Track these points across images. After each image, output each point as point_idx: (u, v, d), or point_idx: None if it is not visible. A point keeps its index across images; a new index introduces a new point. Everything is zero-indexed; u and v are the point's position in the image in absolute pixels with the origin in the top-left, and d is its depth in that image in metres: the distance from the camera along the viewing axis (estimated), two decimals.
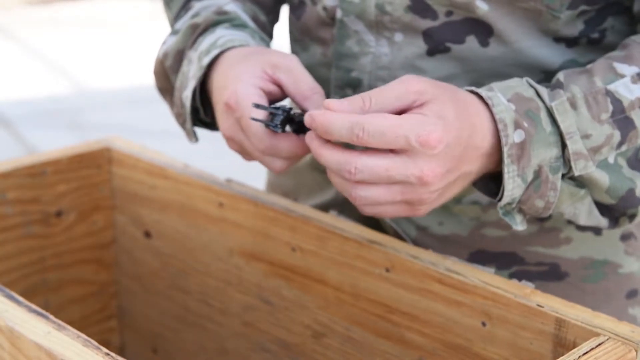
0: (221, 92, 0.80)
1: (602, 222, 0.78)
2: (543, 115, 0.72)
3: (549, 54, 0.83)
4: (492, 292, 0.72)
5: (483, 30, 0.82)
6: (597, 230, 0.89)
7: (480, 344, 0.73)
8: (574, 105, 0.73)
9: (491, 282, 0.72)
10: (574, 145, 0.72)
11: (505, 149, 0.71)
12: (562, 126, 0.72)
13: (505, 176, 0.71)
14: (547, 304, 0.69)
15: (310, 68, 0.92)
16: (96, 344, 0.62)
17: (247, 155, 0.82)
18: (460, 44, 0.82)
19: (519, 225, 0.75)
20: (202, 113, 0.87)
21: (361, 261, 0.80)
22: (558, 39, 0.83)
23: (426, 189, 0.69)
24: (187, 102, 0.85)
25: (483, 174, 0.75)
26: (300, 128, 0.76)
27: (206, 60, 0.83)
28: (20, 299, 0.68)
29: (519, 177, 0.72)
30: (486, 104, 0.72)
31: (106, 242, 1.04)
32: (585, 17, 0.82)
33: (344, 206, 0.93)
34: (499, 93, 0.72)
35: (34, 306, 0.67)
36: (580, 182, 0.75)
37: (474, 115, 0.71)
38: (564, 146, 0.73)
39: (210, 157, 2.41)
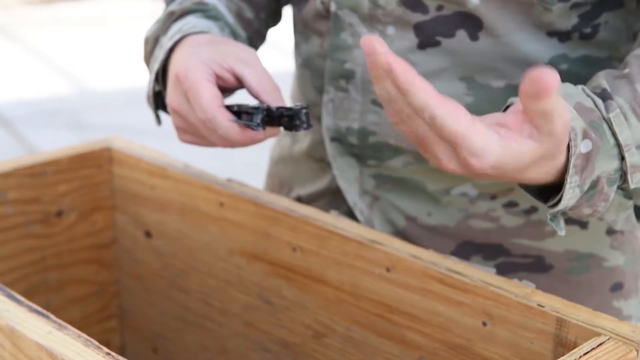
0: (173, 67, 0.81)
1: (637, 225, 0.78)
2: (605, 126, 0.71)
3: (538, 48, 0.83)
4: (493, 292, 0.72)
5: (473, 24, 0.82)
6: (582, 224, 0.90)
7: (481, 343, 0.73)
8: (624, 117, 0.71)
9: (492, 282, 0.72)
10: (632, 157, 0.71)
11: (572, 159, 0.68)
12: (620, 138, 0.71)
13: (567, 186, 0.69)
14: (548, 304, 0.69)
15: (309, 59, 0.93)
16: (97, 343, 0.62)
17: (188, 129, 0.81)
18: (451, 37, 0.83)
19: (562, 230, 0.73)
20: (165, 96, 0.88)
21: (362, 261, 0.80)
22: (551, 33, 0.83)
23: (475, 172, 0.65)
24: (151, 84, 0.87)
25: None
26: (272, 122, 0.77)
27: (169, 44, 0.85)
28: (21, 298, 0.68)
29: (579, 187, 0.70)
30: None
31: (107, 242, 1.04)
32: (580, 11, 0.82)
33: (336, 195, 0.94)
34: (565, 101, 0.69)
35: (34, 306, 0.67)
36: (628, 193, 0.74)
37: None
38: (621, 157, 0.71)
39: (211, 157, 2.41)
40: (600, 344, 0.65)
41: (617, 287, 0.94)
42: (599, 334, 0.66)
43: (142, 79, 4.92)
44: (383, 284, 0.79)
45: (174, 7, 0.91)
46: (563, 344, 0.68)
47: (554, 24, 0.82)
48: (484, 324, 0.73)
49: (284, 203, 0.86)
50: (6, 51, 5.46)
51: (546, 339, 0.69)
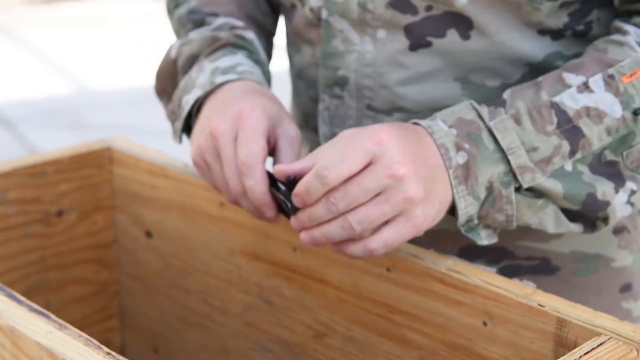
0: (218, 110, 0.81)
1: (573, 227, 0.79)
2: (485, 135, 0.75)
3: (532, 46, 0.83)
4: (493, 292, 0.72)
5: (463, 23, 0.82)
6: None
7: (481, 343, 0.73)
8: (518, 121, 0.75)
9: (492, 282, 0.72)
10: (518, 159, 0.75)
11: (450, 172, 0.74)
12: (502, 143, 0.75)
13: (456, 196, 0.74)
14: (548, 304, 0.69)
15: (302, 69, 0.93)
16: (97, 343, 0.62)
17: (209, 174, 0.82)
18: (441, 37, 0.83)
19: (484, 239, 0.77)
20: (192, 120, 0.88)
21: (362, 261, 0.80)
22: (542, 32, 0.83)
23: (404, 183, 0.70)
24: (186, 106, 0.86)
25: None
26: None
27: (221, 79, 0.85)
28: (22, 298, 0.68)
29: (470, 195, 0.74)
30: (428, 132, 0.75)
31: (107, 241, 1.04)
32: (570, 10, 0.82)
33: None
34: (439, 121, 0.75)
35: (35, 305, 0.67)
36: (538, 193, 0.77)
37: (419, 135, 0.74)
38: (508, 160, 0.75)
39: None
40: (601, 344, 0.65)
41: (626, 288, 0.93)
42: (599, 334, 0.66)
43: (142, 79, 4.92)
44: (384, 284, 0.79)
45: (219, 33, 0.90)
46: (563, 344, 0.68)
47: (544, 22, 0.82)
48: (485, 323, 0.73)
49: None
50: (6, 51, 5.46)
51: (547, 338, 0.69)
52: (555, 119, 0.75)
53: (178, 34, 0.97)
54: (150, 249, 1.00)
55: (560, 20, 0.82)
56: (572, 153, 0.75)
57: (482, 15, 0.81)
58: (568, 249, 0.90)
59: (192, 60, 0.90)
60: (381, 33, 0.85)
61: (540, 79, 0.78)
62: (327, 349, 0.84)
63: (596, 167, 0.77)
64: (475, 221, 0.76)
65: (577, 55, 0.84)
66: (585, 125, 0.75)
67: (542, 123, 0.75)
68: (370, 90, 0.87)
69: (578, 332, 0.67)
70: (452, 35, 0.83)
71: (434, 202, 0.73)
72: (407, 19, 0.83)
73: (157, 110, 3.28)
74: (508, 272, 0.90)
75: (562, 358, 0.63)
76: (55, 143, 3.30)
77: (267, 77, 0.91)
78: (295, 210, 0.74)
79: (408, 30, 0.84)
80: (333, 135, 0.91)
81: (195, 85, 0.86)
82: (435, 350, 0.76)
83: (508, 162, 0.75)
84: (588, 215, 0.78)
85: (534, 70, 0.84)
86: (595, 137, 0.75)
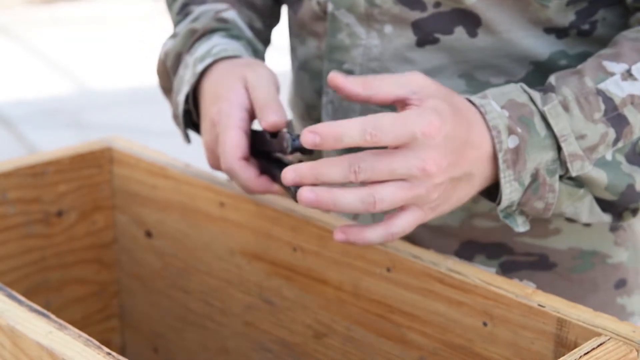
0: (209, 106, 0.83)
1: (605, 218, 0.79)
2: (537, 119, 0.73)
3: (538, 44, 0.83)
4: (493, 292, 0.72)
5: (471, 20, 0.82)
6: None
7: (482, 344, 0.73)
8: (566, 108, 0.74)
9: (492, 282, 0.72)
10: (569, 147, 0.73)
11: (500, 155, 0.72)
12: (555, 129, 0.73)
13: (502, 181, 0.72)
14: (549, 304, 0.69)
15: (307, 61, 0.93)
16: (97, 343, 0.62)
17: (218, 168, 0.85)
18: (449, 34, 0.83)
19: (520, 227, 0.76)
20: (194, 116, 0.89)
21: (362, 261, 0.80)
22: (548, 30, 0.83)
23: (430, 180, 0.69)
24: (181, 106, 0.87)
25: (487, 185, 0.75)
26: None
27: (200, 67, 0.85)
28: (22, 298, 0.68)
29: (516, 181, 0.73)
30: (480, 112, 0.73)
31: (107, 241, 1.04)
32: (577, 8, 0.82)
33: None
34: (492, 100, 0.73)
35: (35, 306, 0.67)
36: (578, 182, 0.76)
37: (471, 118, 0.72)
38: (559, 149, 0.74)
39: None
40: (601, 344, 0.65)
41: (621, 284, 0.94)
42: (599, 334, 0.66)
43: (142, 79, 4.93)
44: (384, 284, 0.79)
45: (195, 24, 0.91)
46: (564, 344, 0.68)
47: (551, 20, 0.82)
48: (485, 324, 0.73)
49: (285, 203, 0.86)
50: (6, 51, 5.46)
51: (547, 339, 0.69)
52: (602, 106, 0.74)
53: (170, 7, 1.00)
54: (151, 249, 1.00)
55: (566, 18, 0.82)
56: (616, 141, 0.75)
57: (490, 13, 0.81)
58: (565, 246, 0.90)
59: (178, 58, 0.90)
60: (388, 28, 0.85)
61: (580, 66, 0.77)
62: (327, 349, 0.84)
63: (632, 157, 0.77)
64: (514, 207, 0.75)
65: (582, 54, 0.84)
66: (630, 113, 0.75)
67: (590, 110, 0.74)
68: None
69: (578, 333, 0.67)
70: (460, 32, 0.83)
71: (452, 201, 0.73)
72: (415, 14, 0.83)
73: (157, 110, 3.28)
74: (507, 267, 0.90)
75: (562, 358, 0.63)
76: (55, 143, 3.29)
77: (253, 45, 0.91)
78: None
79: (416, 26, 0.84)
80: None
81: (184, 83, 0.87)
82: (435, 350, 0.76)
83: (557, 149, 0.74)
84: (619, 205, 0.78)
85: (539, 68, 0.84)
86: (638, 125, 0.75)
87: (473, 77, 0.85)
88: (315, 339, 0.85)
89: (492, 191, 0.77)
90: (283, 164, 0.79)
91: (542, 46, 0.83)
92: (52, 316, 0.66)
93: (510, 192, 0.73)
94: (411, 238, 0.90)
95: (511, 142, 0.72)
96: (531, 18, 0.82)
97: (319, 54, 0.91)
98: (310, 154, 0.75)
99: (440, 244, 0.90)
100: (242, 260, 0.90)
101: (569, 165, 0.74)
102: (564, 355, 0.64)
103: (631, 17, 0.82)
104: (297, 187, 0.69)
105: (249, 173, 0.80)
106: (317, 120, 0.94)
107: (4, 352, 0.66)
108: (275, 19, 1.01)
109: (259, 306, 0.89)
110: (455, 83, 0.85)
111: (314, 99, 0.94)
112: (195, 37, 0.89)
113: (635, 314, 0.95)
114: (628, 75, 0.75)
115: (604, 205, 0.79)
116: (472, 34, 0.83)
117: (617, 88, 0.75)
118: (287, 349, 0.88)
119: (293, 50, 0.97)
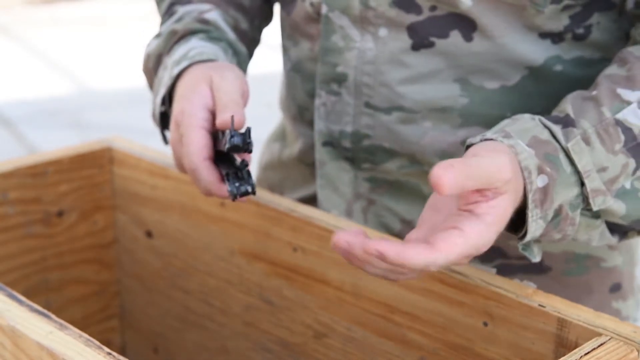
0: (174, 107, 0.82)
1: (613, 240, 0.78)
2: (562, 156, 0.72)
3: (533, 49, 0.83)
4: (494, 292, 0.72)
5: (467, 25, 0.82)
6: None
7: (482, 344, 0.73)
8: (587, 142, 0.72)
9: (493, 282, 0.72)
10: (592, 183, 0.72)
11: (530, 195, 0.70)
12: (579, 166, 0.72)
13: (530, 220, 0.70)
14: (549, 304, 0.69)
15: (299, 63, 0.93)
16: (98, 343, 0.62)
17: (182, 169, 0.83)
18: (445, 38, 0.83)
19: (537, 256, 0.74)
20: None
21: None
22: (543, 35, 0.83)
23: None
24: (157, 108, 0.87)
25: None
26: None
27: (175, 70, 0.85)
28: (22, 298, 0.68)
29: (542, 219, 0.71)
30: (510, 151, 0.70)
31: (107, 242, 1.04)
32: (571, 12, 0.82)
33: None
34: (519, 140, 0.71)
35: (35, 306, 0.67)
36: (596, 213, 0.75)
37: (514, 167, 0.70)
38: (582, 184, 0.72)
39: None
40: (601, 344, 0.65)
41: (616, 288, 0.94)
42: (600, 334, 0.66)
43: (142, 79, 4.93)
44: (384, 284, 0.79)
45: (177, 25, 0.90)
46: (564, 344, 0.68)
47: (546, 25, 0.82)
48: (485, 324, 0.73)
49: (285, 203, 0.86)
50: (6, 51, 5.46)
51: (547, 339, 0.69)
52: (622, 137, 0.73)
53: (158, 6, 0.99)
54: (151, 249, 1.00)
55: (560, 22, 0.82)
56: (636, 170, 0.74)
57: (485, 18, 0.81)
58: (559, 249, 0.90)
59: (159, 60, 0.90)
60: (383, 31, 0.84)
61: (594, 93, 0.75)
62: (327, 349, 0.84)
63: None
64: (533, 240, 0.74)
65: (577, 59, 0.84)
66: None
67: (611, 142, 0.73)
68: (369, 88, 0.87)
69: (579, 333, 0.67)
70: (455, 36, 0.83)
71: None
72: (411, 18, 0.83)
73: None
74: (502, 271, 0.89)
75: (562, 358, 0.63)
76: (55, 143, 3.29)
77: (234, 47, 0.90)
78: (244, 189, 0.74)
79: (411, 29, 0.83)
80: (329, 131, 0.91)
81: (162, 85, 0.87)
82: (436, 350, 0.76)
83: (581, 185, 0.72)
84: (628, 228, 0.78)
85: (533, 73, 0.84)
86: None
87: (468, 82, 0.84)
88: (315, 339, 0.85)
89: (513, 221, 0.74)
90: (233, 165, 0.78)
91: (537, 51, 0.83)
92: (53, 316, 0.65)
93: (535, 230, 0.71)
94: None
95: (540, 181, 0.70)
96: (526, 23, 0.82)
97: (312, 56, 0.91)
98: (247, 152, 0.75)
99: None
100: (242, 260, 0.90)
101: (591, 201, 0.72)
102: (564, 355, 0.64)
103: (633, 30, 0.82)
104: (239, 192, 0.74)
105: (212, 176, 0.78)
106: (309, 122, 0.94)
107: (4, 352, 0.66)
108: (265, 19, 1.00)
109: (259, 306, 0.89)
110: (449, 87, 0.85)
111: (306, 101, 0.94)
112: (175, 38, 0.89)
113: (630, 318, 0.95)
114: None
115: (613, 227, 0.78)
116: (468, 38, 0.83)
117: (635, 117, 0.74)
118: (287, 349, 0.88)
119: (285, 51, 0.97)
